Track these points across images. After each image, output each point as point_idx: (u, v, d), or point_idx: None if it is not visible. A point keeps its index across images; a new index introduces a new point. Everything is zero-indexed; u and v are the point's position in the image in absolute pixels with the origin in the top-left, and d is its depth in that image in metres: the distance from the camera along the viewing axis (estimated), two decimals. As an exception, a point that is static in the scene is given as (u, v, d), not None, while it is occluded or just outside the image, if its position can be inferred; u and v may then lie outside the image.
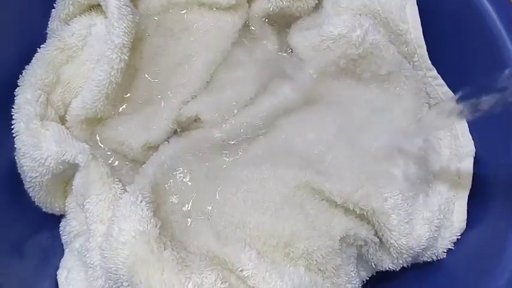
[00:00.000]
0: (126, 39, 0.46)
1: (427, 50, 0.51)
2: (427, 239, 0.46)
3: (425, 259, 0.48)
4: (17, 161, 0.45)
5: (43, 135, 0.45)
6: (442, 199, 0.48)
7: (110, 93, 0.47)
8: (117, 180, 0.46)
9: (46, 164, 0.44)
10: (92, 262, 0.43)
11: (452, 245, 0.48)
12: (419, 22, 0.51)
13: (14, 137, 0.45)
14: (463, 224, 0.48)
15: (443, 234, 0.48)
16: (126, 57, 0.47)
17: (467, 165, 0.49)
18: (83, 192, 0.45)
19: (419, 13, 0.50)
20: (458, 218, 0.48)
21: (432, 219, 0.47)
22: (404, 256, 0.46)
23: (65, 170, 0.46)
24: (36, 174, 0.45)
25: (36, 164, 0.44)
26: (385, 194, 0.46)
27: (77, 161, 0.45)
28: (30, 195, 0.47)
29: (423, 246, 0.46)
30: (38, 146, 0.44)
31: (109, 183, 0.45)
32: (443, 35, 0.51)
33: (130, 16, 0.47)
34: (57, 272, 0.47)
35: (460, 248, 0.48)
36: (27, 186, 0.46)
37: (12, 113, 0.45)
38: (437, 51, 0.51)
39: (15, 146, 0.45)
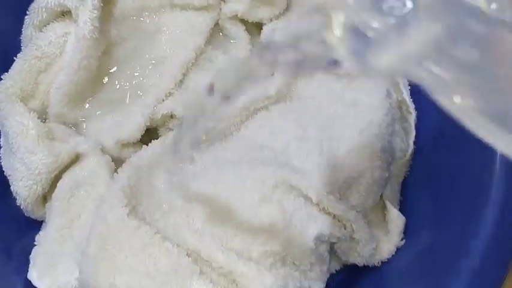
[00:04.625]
0: (93, 51, 0.48)
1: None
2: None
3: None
4: (17, 159, 0.47)
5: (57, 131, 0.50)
6: None
7: (74, 98, 0.50)
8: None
9: (60, 158, 0.47)
10: None
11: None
12: None
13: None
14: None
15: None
16: (93, 67, 0.49)
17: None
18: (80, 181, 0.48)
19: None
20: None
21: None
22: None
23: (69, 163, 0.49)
24: (49, 169, 0.47)
25: (50, 160, 0.47)
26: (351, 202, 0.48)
27: (83, 151, 0.49)
28: (24, 194, 0.48)
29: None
30: (52, 142, 0.48)
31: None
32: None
33: (98, 27, 0.48)
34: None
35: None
36: (29, 183, 0.47)
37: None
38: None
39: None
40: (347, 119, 0.50)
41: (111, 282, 0.42)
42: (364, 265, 0.50)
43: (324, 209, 0.47)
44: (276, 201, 0.46)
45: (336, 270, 0.52)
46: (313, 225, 0.46)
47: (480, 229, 0.42)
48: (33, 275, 0.46)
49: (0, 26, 0.51)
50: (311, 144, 0.49)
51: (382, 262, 0.50)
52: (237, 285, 0.43)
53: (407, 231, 0.50)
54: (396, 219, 0.50)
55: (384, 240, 0.50)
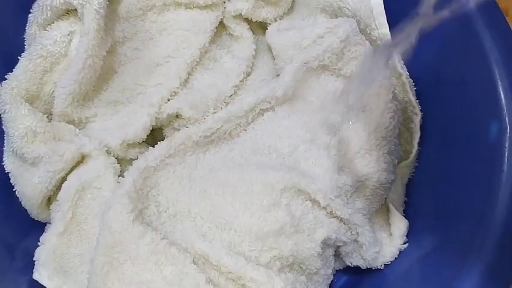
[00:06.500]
0: (98, 50, 0.48)
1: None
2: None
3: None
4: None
5: (63, 131, 0.49)
6: None
7: (78, 98, 0.49)
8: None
9: (64, 158, 0.47)
10: None
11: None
12: (388, 28, 0.52)
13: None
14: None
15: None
16: (97, 66, 0.48)
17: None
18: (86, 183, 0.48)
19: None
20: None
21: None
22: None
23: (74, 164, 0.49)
24: (54, 169, 0.47)
25: (54, 160, 0.47)
26: (357, 205, 0.48)
27: (88, 153, 0.49)
28: (29, 195, 0.48)
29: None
30: (57, 142, 0.48)
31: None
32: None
33: (103, 26, 0.48)
34: None
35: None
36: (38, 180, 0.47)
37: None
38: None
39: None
40: (354, 122, 0.50)
41: None
42: (367, 268, 0.50)
43: (331, 212, 0.47)
44: (284, 206, 0.46)
45: (337, 271, 0.53)
46: (320, 230, 0.47)
47: (487, 233, 0.43)
48: (42, 275, 0.46)
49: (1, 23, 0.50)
50: (319, 147, 0.49)
51: (385, 265, 0.50)
52: (246, 289, 0.43)
53: (411, 234, 0.51)
54: (399, 222, 0.51)
55: (387, 243, 0.50)
